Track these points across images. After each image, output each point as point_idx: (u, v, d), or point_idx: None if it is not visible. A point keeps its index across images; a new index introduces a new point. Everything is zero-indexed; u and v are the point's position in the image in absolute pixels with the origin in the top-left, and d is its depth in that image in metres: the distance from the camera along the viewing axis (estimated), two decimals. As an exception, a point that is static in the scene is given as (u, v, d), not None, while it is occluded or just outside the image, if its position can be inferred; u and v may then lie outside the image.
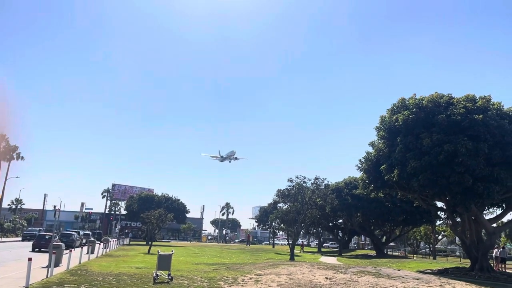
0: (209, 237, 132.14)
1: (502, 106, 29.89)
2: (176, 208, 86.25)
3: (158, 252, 18.60)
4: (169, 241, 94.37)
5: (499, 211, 36.35)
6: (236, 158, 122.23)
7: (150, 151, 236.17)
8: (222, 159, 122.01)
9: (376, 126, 32.66)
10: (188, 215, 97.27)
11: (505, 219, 36.58)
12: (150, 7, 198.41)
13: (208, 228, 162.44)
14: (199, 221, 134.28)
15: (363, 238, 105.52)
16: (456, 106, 28.88)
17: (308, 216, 44.05)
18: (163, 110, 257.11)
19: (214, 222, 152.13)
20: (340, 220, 70.74)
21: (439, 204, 37.24)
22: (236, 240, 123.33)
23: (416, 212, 51.24)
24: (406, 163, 28.66)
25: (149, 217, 47.87)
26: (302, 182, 43.00)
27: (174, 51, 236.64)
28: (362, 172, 35.34)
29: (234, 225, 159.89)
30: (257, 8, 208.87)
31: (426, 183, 28.02)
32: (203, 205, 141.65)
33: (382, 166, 31.07)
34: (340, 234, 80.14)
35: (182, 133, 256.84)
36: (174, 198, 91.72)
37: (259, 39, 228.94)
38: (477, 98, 29.98)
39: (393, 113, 31.31)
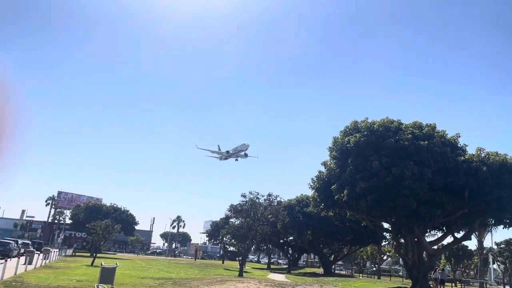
0: (158, 251, 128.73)
1: (446, 134, 31.72)
2: (124, 219, 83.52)
3: (101, 264, 17.85)
4: (115, 253, 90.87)
5: (439, 234, 38.22)
6: (246, 155, 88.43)
7: (100, 157, 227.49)
8: (227, 155, 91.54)
9: (329, 147, 33.54)
10: (137, 227, 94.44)
11: (445, 242, 38.37)
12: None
13: (157, 241, 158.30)
14: (148, 233, 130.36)
15: (312, 256, 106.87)
16: (404, 132, 30.34)
17: (259, 232, 44.15)
18: (118, 112, 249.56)
19: (164, 235, 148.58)
20: (291, 237, 71.37)
21: (386, 225, 38.62)
22: (184, 256, 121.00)
23: (364, 232, 52.73)
24: (356, 184, 29.60)
25: (95, 227, 45.92)
26: (255, 198, 43.13)
27: (126, 51, 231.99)
28: (313, 191, 36.05)
29: (184, 239, 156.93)
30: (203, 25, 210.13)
31: (373, 204, 29.03)
32: (153, 218, 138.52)
33: (333, 186, 31.87)
34: (290, 251, 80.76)
35: (135, 139, 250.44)
36: (123, 209, 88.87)
37: (213, 53, 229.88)
38: (423, 125, 31.68)
39: (346, 135, 32.33)
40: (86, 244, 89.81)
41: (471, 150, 31.40)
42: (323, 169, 35.09)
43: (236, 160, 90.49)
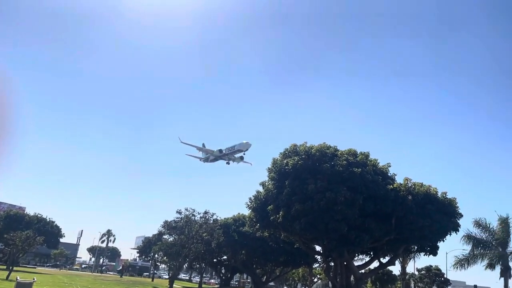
0: (83, 266, 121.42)
1: (378, 163, 33.42)
2: (49, 231, 78.25)
3: (17, 279, 16.52)
4: (35, 267, 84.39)
5: (367, 259, 39.78)
6: (241, 158, 70.87)
7: (26, 163, 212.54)
8: (219, 156, 72.87)
9: (268, 168, 34.00)
10: (62, 240, 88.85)
11: (372, 266, 39.96)
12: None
13: (84, 255, 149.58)
14: (75, 247, 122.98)
15: (245, 276, 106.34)
16: (340, 158, 31.56)
17: (193, 250, 43.32)
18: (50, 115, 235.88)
19: (92, 250, 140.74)
20: (225, 257, 70.59)
21: (318, 247, 39.51)
22: (110, 273, 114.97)
23: (297, 253, 53.48)
24: (292, 205, 30.15)
25: (14, 238, 42.49)
26: (191, 214, 42.48)
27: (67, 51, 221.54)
28: (250, 210, 36.17)
29: (113, 254, 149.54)
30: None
31: (307, 226, 29.66)
32: (81, 230, 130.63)
33: (270, 207, 32.21)
34: (223, 271, 79.74)
35: (67, 146, 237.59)
36: (48, 220, 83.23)
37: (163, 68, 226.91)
38: (358, 153, 33.18)
39: (285, 157, 33.00)
40: (3, 256, 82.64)
41: (399, 180, 33.28)
42: (261, 189, 35.40)
43: (228, 163, 73.53)
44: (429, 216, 30.22)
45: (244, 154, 69.00)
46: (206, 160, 76.33)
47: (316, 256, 46.78)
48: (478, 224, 36.57)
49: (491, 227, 36.46)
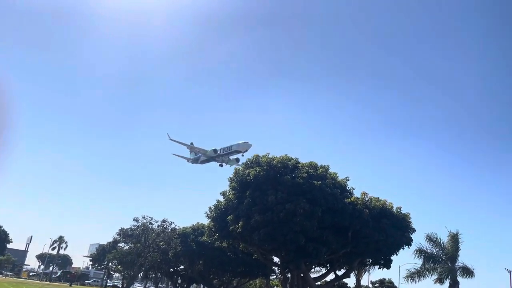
0: (31, 273, 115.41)
1: (337, 176, 34.13)
2: (-6, 236, 74.09)
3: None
4: (-23, 274, 79.44)
5: (324, 271, 40.23)
6: (237, 161, 61.30)
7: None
8: (212, 156, 65.02)
9: (230, 177, 33.89)
10: (9, 246, 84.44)
11: (328, 278, 40.42)
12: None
13: (33, 262, 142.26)
14: (23, 253, 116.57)
15: (202, 286, 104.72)
16: (300, 170, 31.99)
17: (149, 259, 42.25)
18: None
19: (41, 257, 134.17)
20: (182, 266, 69.29)
21: (276, 259, 39.58)
22: (62, 281, 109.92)
23: (255, 264, 53.30)
24: (251, 216, 30.13)
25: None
26: (148, 223, 41.50)
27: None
28: (210, 220, 35.81)
29: (65, 262, 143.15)
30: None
31: (266, 237, 29.71)
32: (31, 236, 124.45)
33: (229, 217, 32.03)
34: (179, 281, 78.17)
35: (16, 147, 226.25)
36: (-6, 224, 78.96)
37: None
38: (318, 166, 33.76)
39: (247, 167, 33.05)
40: None
41: (357, 193, 34.10)
42: (222, 198, 35.17)
43: (221, 165, 64.77)
44: (384, 231, 31.09)
45: (242, 155, 60.25)
46: (195, 161, 68.34)
47: (273, 267, 46.81)
48: (429, 239, 37.85)
49: (441, 242, 37.86)
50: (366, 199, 33.07)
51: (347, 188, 34.07)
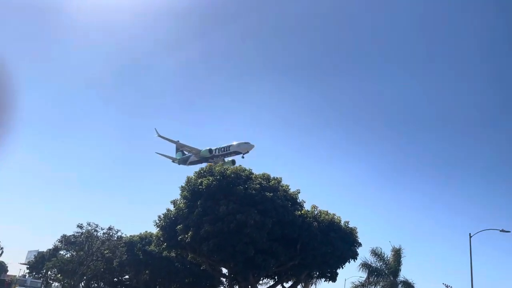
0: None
1: (289, 188, 34.61)
2: None
3: None
4: None
5: (271, 283, 40.35)
6: (233, 163, 53.78)
7: None
8: (207, 157, 57.02)
9: (182, 186, 33.38)
10: None
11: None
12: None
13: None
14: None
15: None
16: (253, 181, 32.15)
17: (92, 268, 40.51)
18: None
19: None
20: (127, 276, 67.01)
21: (225, 270, 39.24)
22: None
23: (203, 275, 52.54)
24: (202, 226, 29.78)
25: None
26: (93, 230, 39.85)
27: None
28: (158, 229, 34.99)
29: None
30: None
31: (215, 248, 29.43)
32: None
33: (179, 226, 31.47)
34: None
35: None
36: None
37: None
38: (271, 178, 34.11)
39: (200, 176, 32.74)
40: None
41: (307, 206, 34.70)
42: (172, 207, 34.51)
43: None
44: (332, 244, 31.80)
45: (243, 157, 54.07)
46: (183, 161, 60.63)
47: (221, 278, 46.38)
48: (374, 253, 39.23)
49: (385, 256, 39.32)
50: (316, 212, 33.76)
51: (298, 200, 34.61)
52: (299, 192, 34.90)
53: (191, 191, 32.12)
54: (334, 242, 31.86)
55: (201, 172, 33.33)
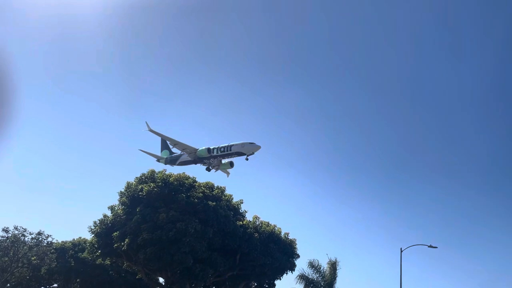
0: None
1: (232, 198, 34.59)
2: None
3: None
4: None
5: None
6: (231, 165, 48.13)
7: None
8: (204, 157, 47.75)
9: (121, 191, 32.24)
10: None
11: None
12: None
13: None
14: None
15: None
16: (197, 190, 31.80)
17: (16, 276, 37.74)
18: None
19: None
20: (55, 285, 63.17)
21: (161, 279, 38.20)
22: None
23: (138, 285, 50.63)
24: (139, 233, 28.84)
25: None
26: (20, 234, 37.23)
27: None
28: (93, 235, 33.39)
29: None
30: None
31: (151, 257, 28.60)
32: None
33: (115, 233, 30.30)
34: (51, 301, 70.94)
35: None
36: None
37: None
38: (215, 187, 33.93)
39: (141, 182, 31.84)
40: None
41: (249, 217, 34.86)
42: (109, 213, 33.16)
43: (208, 169, 49.09)
44: (271, 255, 32.13)
45: (247, 159, 45.36)
46: (172, 161, 51.21)
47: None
48: (311, 265, 39.94)
49: (322, 268, 40.20)
50: (257, 223, 34.01)
51: (241, 210, 34.69)
52: (242, 202, 35.02)
53: (131, 197, 31.15)
54: (273, 254, 32.20)
55: (142, 178, 32.44)
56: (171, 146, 49.79)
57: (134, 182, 32.09)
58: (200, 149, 47.29)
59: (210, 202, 30.68)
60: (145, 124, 44.28)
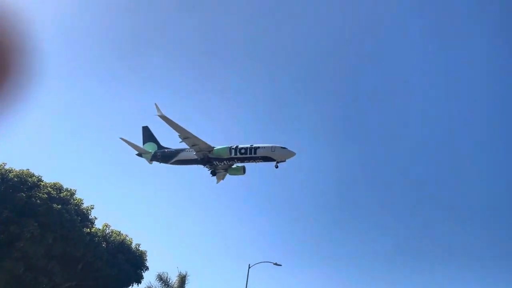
0: None
1: (82, 203, 32.09)
2: None
3: None
4: None
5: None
6: (243, 171, 40.62)
7: None
8: (223, 158, 38.71)
9: None
10: None
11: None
12: None
13: None
14: None
15: None
16: (42, 190, 28.68)
17: None
18: None
19: None
20: None
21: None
22: None
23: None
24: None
25: None
26: None
27: None
28: None
29: None
30: None
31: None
32: None
33: None
34: None
35: None
36: None
37: None
38: (64, 188, 31.07)
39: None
40: None
41: (99, 224, 32.69)
42: None
43: (214, 174, 40.78)
44: (118, 266, 30.60)
45: (276, 166, 37.05)
46: (164, 157, 40.18)
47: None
48: (160, 278, 39.06)
49: (170, 282, 39.55)
50: (108, 231, 32.18)
51: (90, 217, 32.36)
52: (92, 208, 32.70)
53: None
54: (120, 265, 30.74)
55: (-25, 171, 28.09)
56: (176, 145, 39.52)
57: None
58: (219, 147, 38.58)
59: (55, 205, 27.95)
60: (155, 107, 33.99)
